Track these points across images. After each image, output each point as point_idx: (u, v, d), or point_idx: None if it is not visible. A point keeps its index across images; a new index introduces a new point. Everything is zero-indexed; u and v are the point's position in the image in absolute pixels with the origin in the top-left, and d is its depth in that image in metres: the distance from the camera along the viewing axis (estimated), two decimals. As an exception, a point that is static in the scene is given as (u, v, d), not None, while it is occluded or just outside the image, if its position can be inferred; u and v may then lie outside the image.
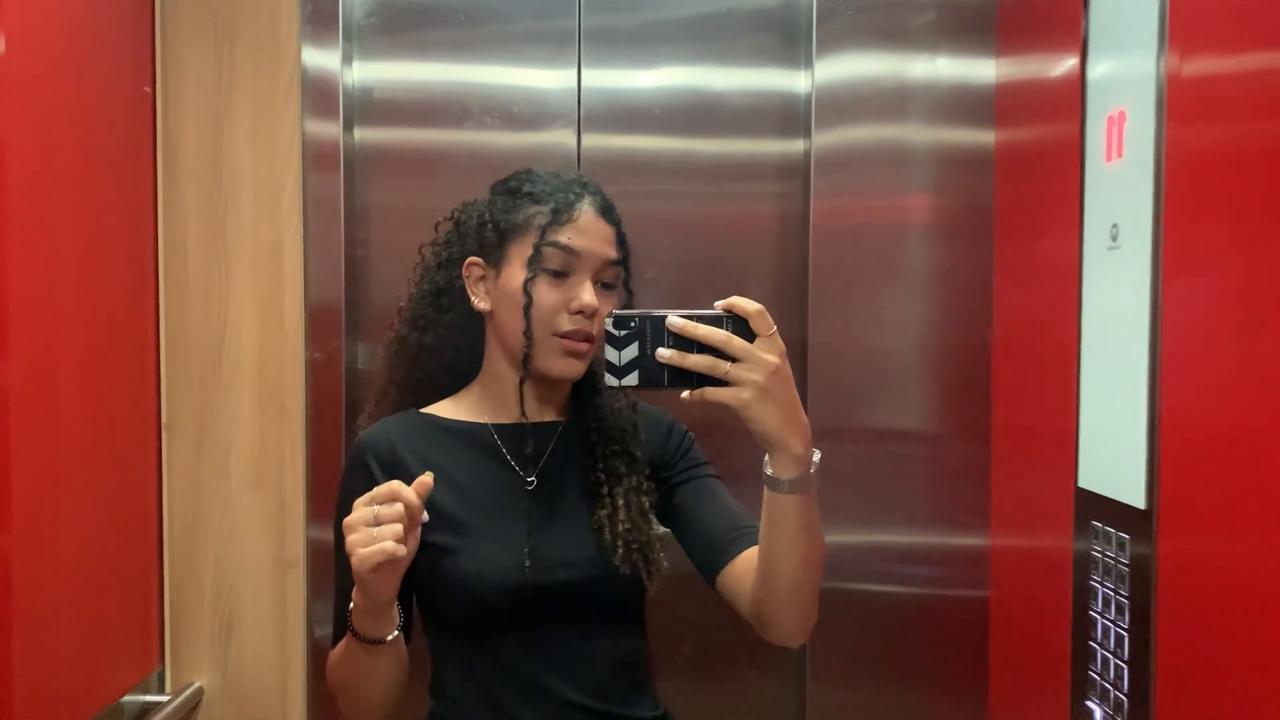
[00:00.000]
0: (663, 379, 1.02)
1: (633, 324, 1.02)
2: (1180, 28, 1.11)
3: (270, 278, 1.68)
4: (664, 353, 1.01)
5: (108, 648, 1.52)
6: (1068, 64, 1.38)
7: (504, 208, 1.21)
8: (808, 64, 1.73)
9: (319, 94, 1.69)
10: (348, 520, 1.01)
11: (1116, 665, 1.22)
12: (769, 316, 1.00)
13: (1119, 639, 1.21)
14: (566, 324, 1.16)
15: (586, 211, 1.18)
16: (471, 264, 1.22)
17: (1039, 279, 1.50)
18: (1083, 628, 1.31)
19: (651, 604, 1.25)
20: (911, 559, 1.74)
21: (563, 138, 1.76)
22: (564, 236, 1.16)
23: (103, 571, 1.50)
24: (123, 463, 1.58)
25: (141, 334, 1.64)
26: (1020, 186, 1.59)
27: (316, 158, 1.69)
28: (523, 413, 1.21)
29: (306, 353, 1.69)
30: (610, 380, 1.04)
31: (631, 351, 1.03)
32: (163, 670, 1.69)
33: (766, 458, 1.04)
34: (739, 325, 1.00)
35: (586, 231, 1.17)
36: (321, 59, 1.69)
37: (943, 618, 1.74)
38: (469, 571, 1.14)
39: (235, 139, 1.68)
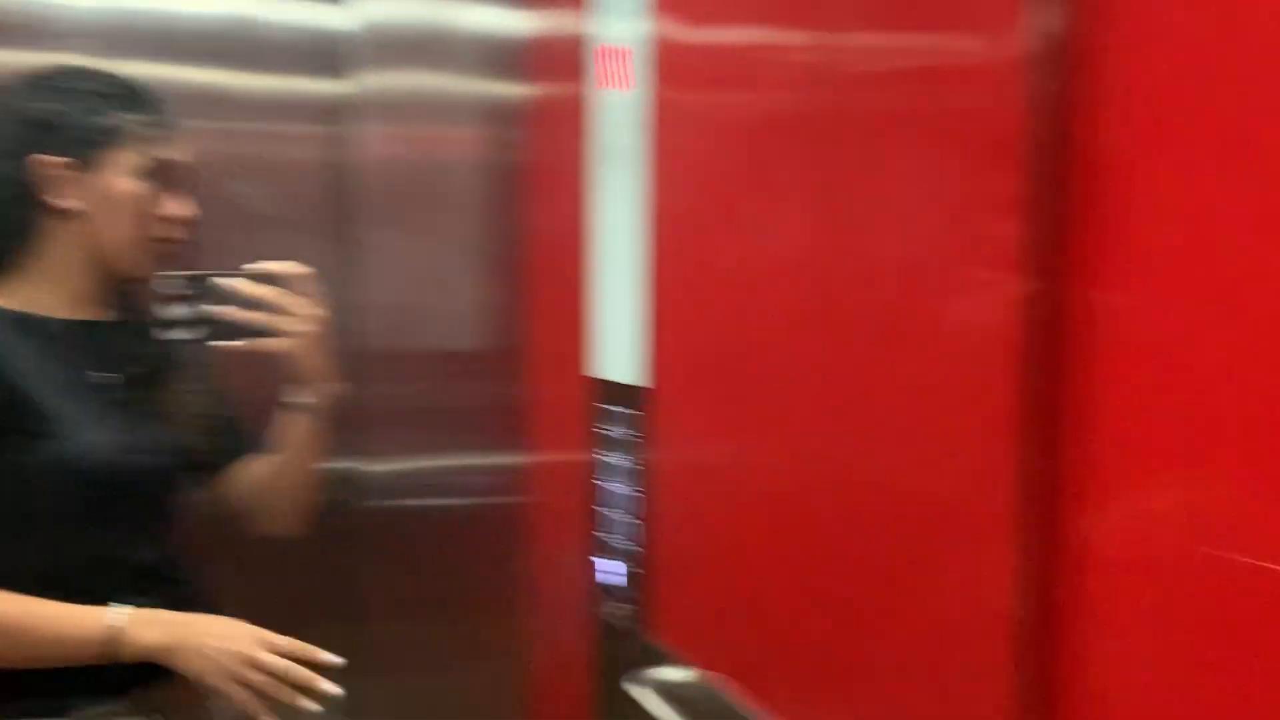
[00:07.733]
0: (218, 333, 1.17)
1: (191, 283, 1.16)
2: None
3: None
4: (219, 309, 1.16)
5: None
6: (576, 15, 1.58)
7: (86, 109, 1.21)
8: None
9: None
10: (261, 659, 1.12)
11: (627, 524, 1.43)
12: (308, 276, 1.21)
13: (627, 501, 1.42)
14: (163, 230, 1.26)
15: (174, 121, 1.28)
16: (46, 162, 1.19)
17: (560, 200, 1.68)
18: (602, 497, 1.50)
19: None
20: (457, 473, 1.86)
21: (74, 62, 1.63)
22: (173, 151, 1.26)
23: None
24: None
25: None
26: (545, 124, 1.77)
27: None
28: (107, 311, 1.27)
29: None
30: (173, 334, 1.17)
31: (191, 308, 1.16)
32: None
33: (295, 389, 1.29)
34: (282, 284, 1.19)
35: (181, 143, 1.28)
36: None
37: (484, 524, 1.86)
38: (71, 455, 1.18)
39: None
